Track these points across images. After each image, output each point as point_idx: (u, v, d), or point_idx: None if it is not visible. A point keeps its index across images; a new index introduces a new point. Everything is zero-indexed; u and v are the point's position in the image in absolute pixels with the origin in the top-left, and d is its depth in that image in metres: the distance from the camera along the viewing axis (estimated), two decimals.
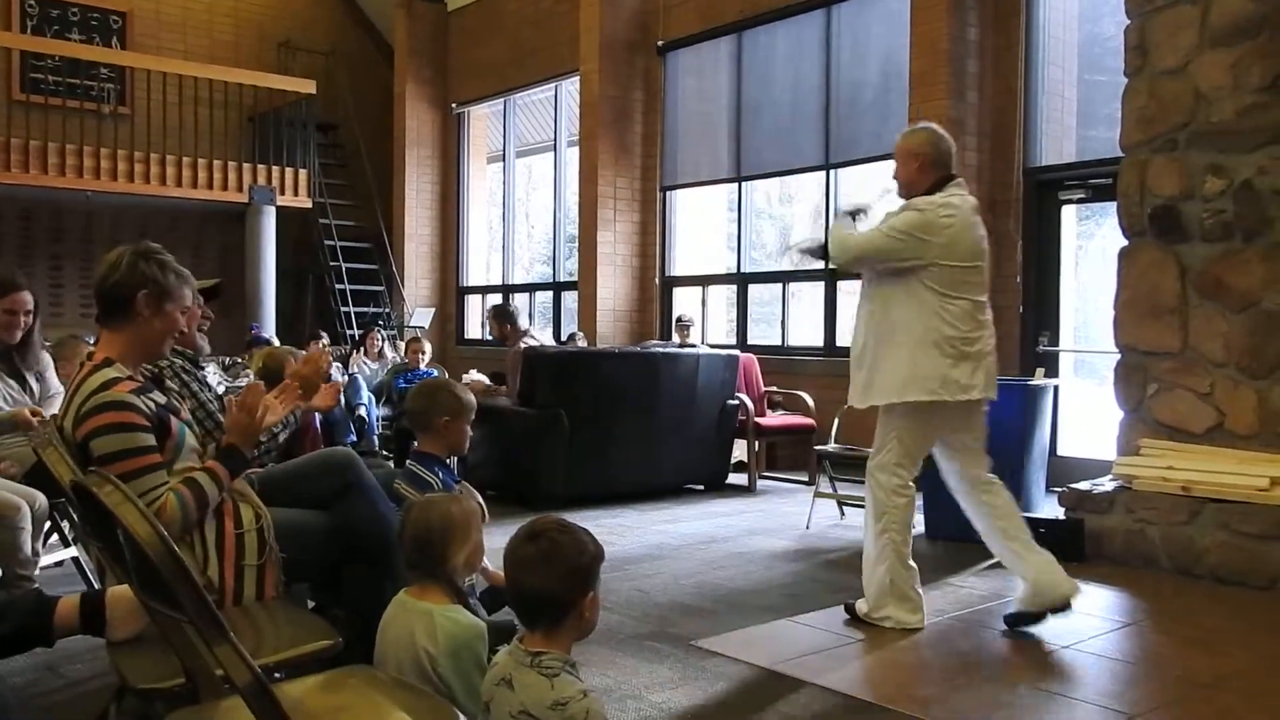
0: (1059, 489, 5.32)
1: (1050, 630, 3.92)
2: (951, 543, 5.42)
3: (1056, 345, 7.18)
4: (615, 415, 6.57)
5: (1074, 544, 4.99)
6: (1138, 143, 5.36)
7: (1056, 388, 6.37)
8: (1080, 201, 7.23)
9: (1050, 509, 5.47)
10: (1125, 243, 5.48)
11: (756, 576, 4.75)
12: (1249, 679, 3.38)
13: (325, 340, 9.21)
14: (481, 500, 3.19)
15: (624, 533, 5.70)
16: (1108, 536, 4.99)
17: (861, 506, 6.02)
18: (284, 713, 1.66)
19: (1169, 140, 5.22)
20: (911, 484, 3.97)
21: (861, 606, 3.96)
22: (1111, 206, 5.67)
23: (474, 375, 7.83)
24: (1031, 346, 7.18)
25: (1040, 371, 6.20)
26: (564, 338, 9.77)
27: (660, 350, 7.26)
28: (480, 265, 12.82)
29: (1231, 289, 5.00)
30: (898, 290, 3.86)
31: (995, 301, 7.31)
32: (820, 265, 4.41)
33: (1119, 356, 5.51)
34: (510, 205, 12.38)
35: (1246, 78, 4.93)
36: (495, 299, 12.38)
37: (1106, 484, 5.19)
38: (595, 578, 2.10)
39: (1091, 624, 4.00)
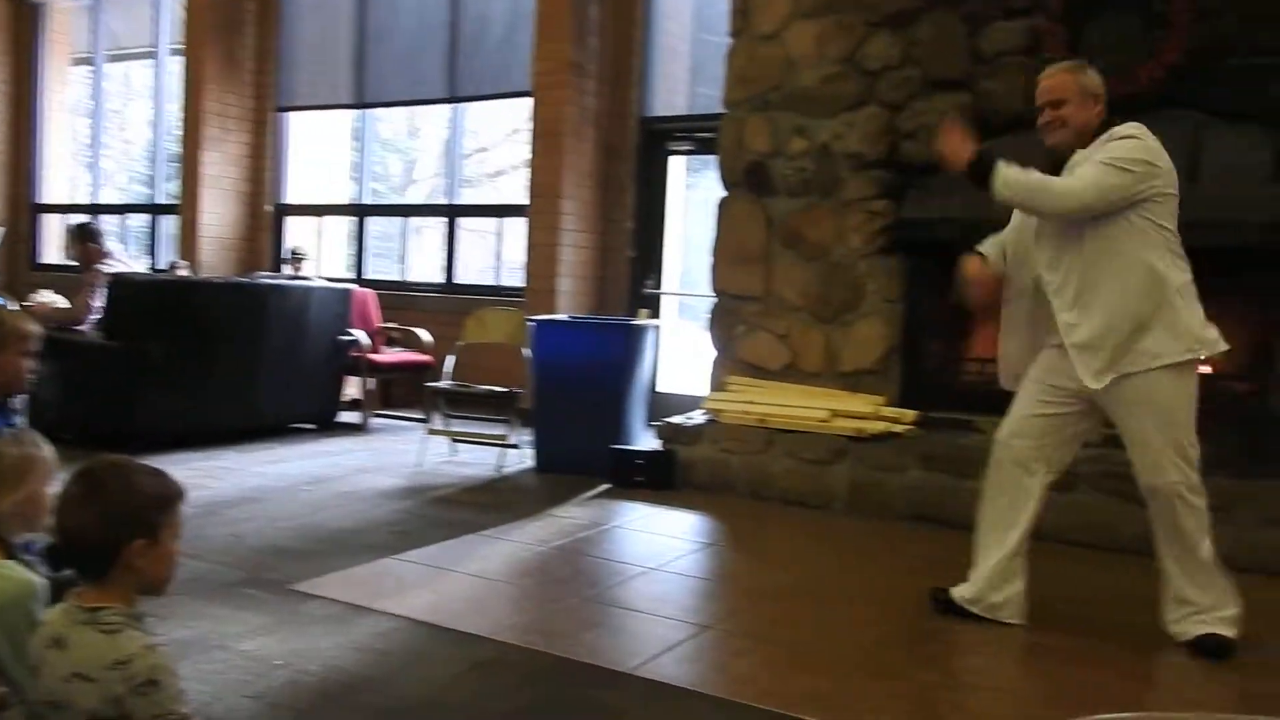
0: (658, 423, 5.67)
1: (640, 554, 4.20)
2: (558, 475, 5.63)
3: (661, 288, 7.62)
4: (215, 350, 6.13)
5: (667, 473, 5.37)
6: (736, 101, 5.76)
7: (659, 328, 6.76)
8: (689, 153, 7.66)
9: (648, 441, 5.82)
10: (723, 194, 5.89)
11: (363, 516, 4.66)
12: (802, 587, 3.81)
13: None
14: (49, 446, 2.85)
15: (221, 475, 5.37)
16: (696, 466, 5.40)
17: (475, 442, 6.13)
18: None
19: (763, 101, 5.66)
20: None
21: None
22: (715, 159, 6.05)
23: (46, 296, 6.94)
24: (638, 288, 7.57)
25: (644, 312, 6.55)
26: (164, 266, 8.96)
27: (267, 282, 6.87)
28: (63, 181, 11.40)
29: (807, 240, 5.55)
30: (1121, 231, 3.19)
31: (607, 244, 7.71)
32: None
33: (714, 300, 5.94)
34: (101, 116, 11.09)
35: (828, 49, 5.44)
36: (81, 219, 11.09)
37: (697, 417, 5.61)
38: (154, 524, 1.86)
39: (677, 546, 4.33)
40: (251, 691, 2.68)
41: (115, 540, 1.78)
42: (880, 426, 5.07)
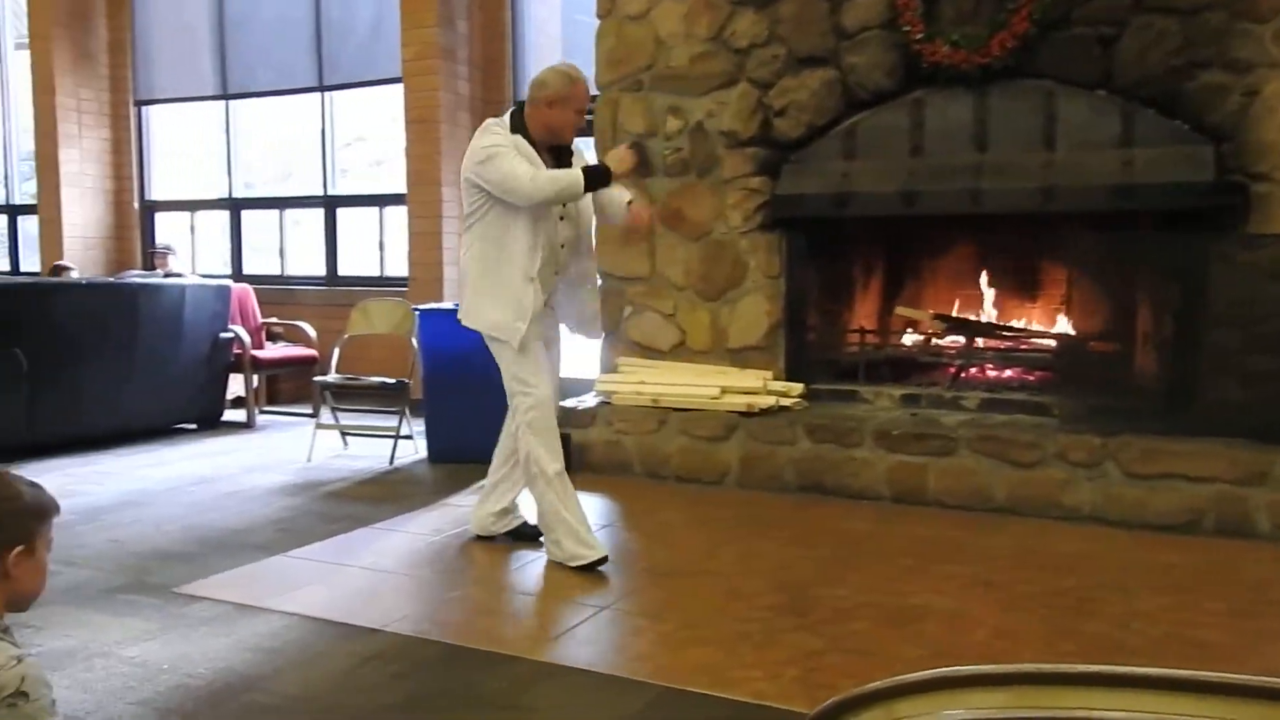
0: None
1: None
2: (452, 464, 5.59)
3: None
4: (86, 353, 5.90)
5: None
6: (609, 82, 5.77)
7: None
8: None
9: None
10: None
11: (250, 515, 4.56)
12: (696, 563, 3.87)
13: None
14: None
15: (99, 480, 5.19)
16: (591, 448, 5.42)
17: (365, 435, 6.04)
18: None
19: (636, 81, 5.68)
20: None
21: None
22: (593, 141, 6.04)
23: None
24: None
25: None
26: (44, 269, 8.55)
27: (138, 281, 6.63)
28: None
29: (689, 220, 5.60)
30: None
31: None
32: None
33: (600, 282, 5.95)
34: None
35: (696, 28, 5.48)
36: None
37: (589, 400, 5.63)
38: (30, 533, 1.85)
39: None
40: (136, 698, 2.62)
41: None
42: (769, 401, 5.16)
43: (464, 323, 3.96)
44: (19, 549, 1.79)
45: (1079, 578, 3.64)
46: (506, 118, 3.86)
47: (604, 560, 3.76)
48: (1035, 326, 5.71)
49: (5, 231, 10.13)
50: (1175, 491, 4.26)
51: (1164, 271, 4.84)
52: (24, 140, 9.85)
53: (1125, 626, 3.18)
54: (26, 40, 8.99)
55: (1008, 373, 5.47)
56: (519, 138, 3.77)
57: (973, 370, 5.46)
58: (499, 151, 3.70)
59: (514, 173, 3.66)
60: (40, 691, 1.68)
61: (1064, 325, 5.60)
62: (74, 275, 7.77)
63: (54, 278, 7.58)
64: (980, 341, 5.55)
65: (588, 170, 3.81)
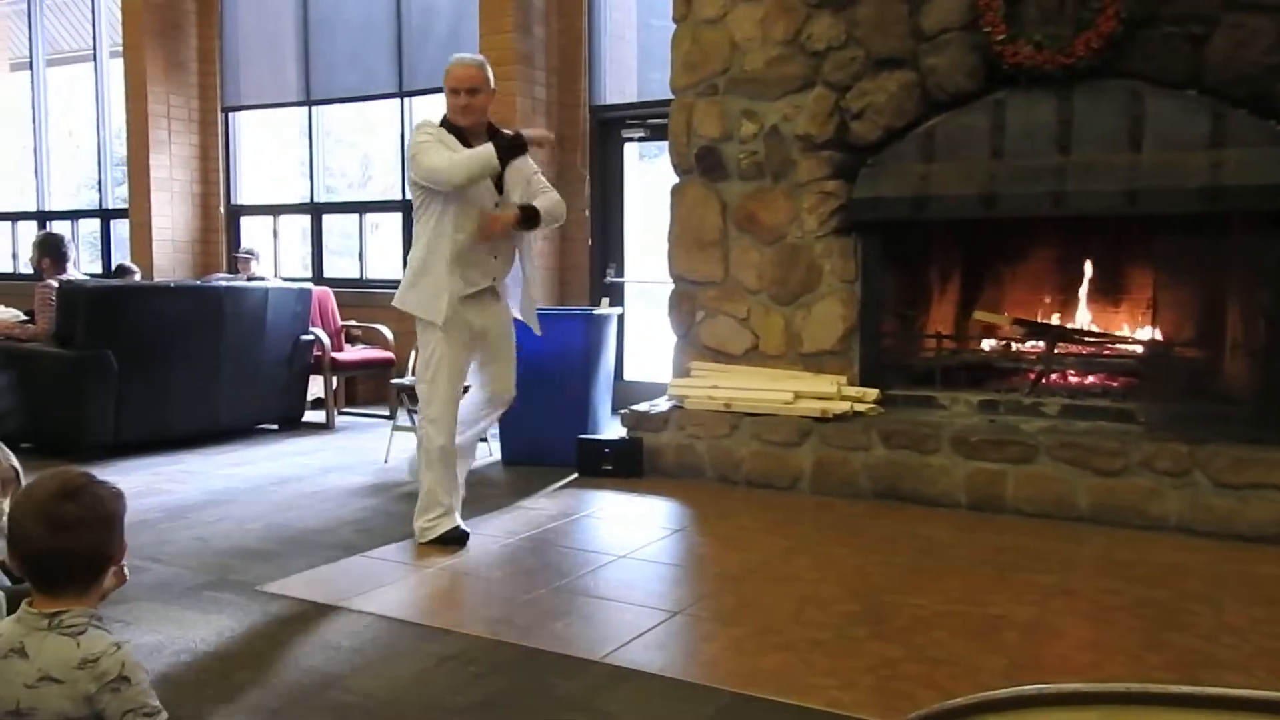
0: (624, 411, 5.68)
1: (609, 542, 4.23)
2: (526, 466, 5.64)
3: (622, 276, 7.63)
4: (173, 354, 6.08)
5: (634, 461, 5.39)
6: (684, 86, 5.77)
7: (621, 316, 6.78)
8: (641, 140, 7.67)
9: (615, 430, 5.84)
10: (677, 180, 5.89)
11: (329, 515, 4.65)
12: (769, 568, 3.85)
13: None
14: (14, 459, 2.84)
15: (184, 479, 5.33)
16: (663, 452, 5.42)
17: None
18: None
19: (710, 85, 5.67)
20: None
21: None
22: (667, 145, 6.05)
23: (1, 312, 6.86)
24: (600, 277, 7.57)
25: (605, 301, 6.55)
26: (114, 270, 8.83)
27: (223, 284, 6.81)
28: (9, 189, 11.20)
29: (763, 223, 5.57)
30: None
31: (568, 234, 7.71)
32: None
33: (673, 286, 5.95)
34: (43, 121, 10.90)
35: (772, 31, 5.45)
36: (29, 227, 10.93)
37: (662, 404, 5.63)
38: (123, 530, 1.94)
39: (646, 533, 4.35)
40: (219, 694, 2.68)
41: (117, 548, 1.82)
42: (843, 406, 5.11)
43: (396, 305, 4.22)
44: (124, 547, 1.87)
45: (1166, 589, 3.55)
46: (439, 117, 4.11)
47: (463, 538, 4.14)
48: (1119, 331, 5.57)
49: (99, 234, 10.48)
50: (1268, 502, 4.12)
51: (1256, 275, 4.69)
52: (117, 146, 10.19)
53: (1215, 640, 3.09)
54: (121, 49, 9.31)
55: (1090, 379, 5.35)
56: (443, 130, 4.01)
57: (1053, 376, 5.35)
58: (422, 147, 3.95)
59: (433, 163, 3.90)
60: (140, 676, 1.73)
61: (1149, 330, 5.45)
62: (137, 276, 7.97)
63: (118, 279, 7.79)
64: (1061, 346, 5.43)
65: (498, 142, 3.95)
